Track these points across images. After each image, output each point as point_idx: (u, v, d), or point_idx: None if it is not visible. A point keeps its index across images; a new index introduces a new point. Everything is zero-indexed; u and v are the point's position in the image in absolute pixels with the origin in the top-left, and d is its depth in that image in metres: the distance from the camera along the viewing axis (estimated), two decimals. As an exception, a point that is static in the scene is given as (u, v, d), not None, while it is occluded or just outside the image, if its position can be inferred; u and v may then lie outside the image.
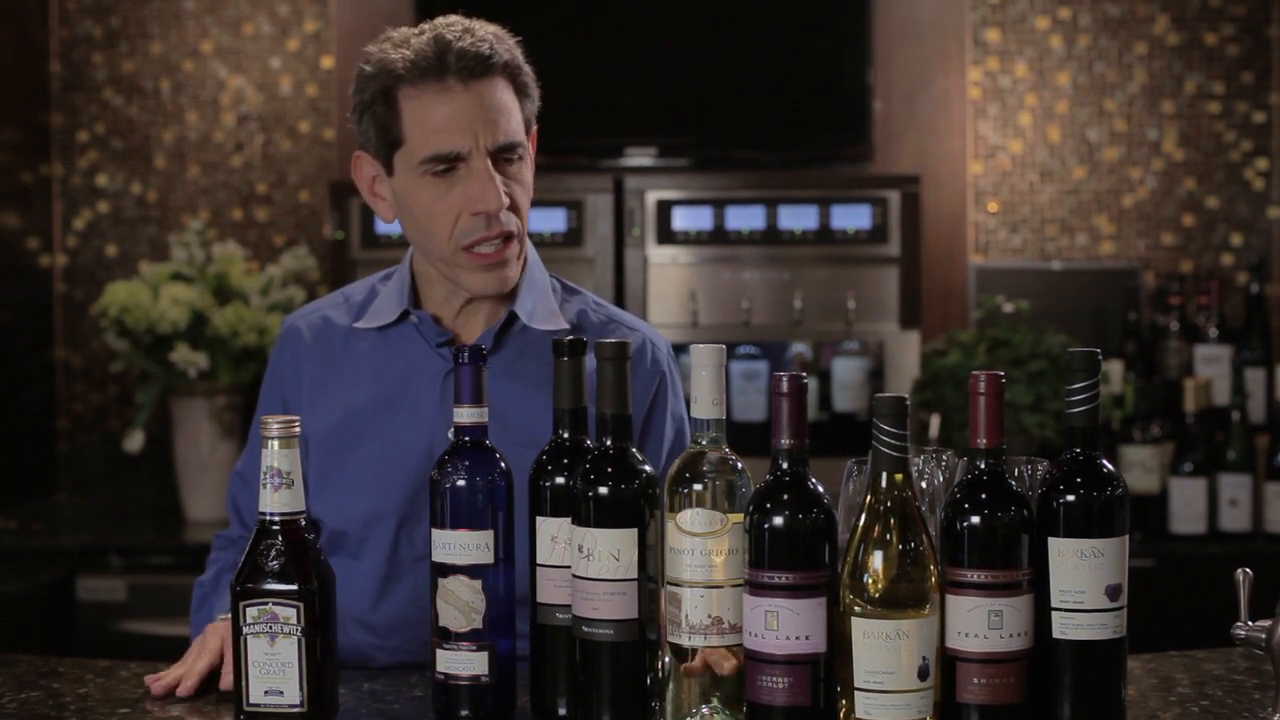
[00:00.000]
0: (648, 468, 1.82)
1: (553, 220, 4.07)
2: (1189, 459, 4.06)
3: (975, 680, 1.71)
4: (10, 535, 4.14)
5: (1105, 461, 1.78)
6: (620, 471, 1.80)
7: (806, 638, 1.70)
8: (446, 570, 1.84)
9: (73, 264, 4.70)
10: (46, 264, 4.68)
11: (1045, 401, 3.95)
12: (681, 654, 1.77)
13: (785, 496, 1.72)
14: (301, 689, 1.79)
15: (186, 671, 2.03)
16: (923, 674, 1.68)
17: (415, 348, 2.26)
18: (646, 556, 1.80)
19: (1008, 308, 4.31)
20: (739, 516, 1.75)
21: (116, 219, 4.69)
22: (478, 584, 1.84)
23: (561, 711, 1.85)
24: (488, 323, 2.27)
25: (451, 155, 2.15)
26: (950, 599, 1.72)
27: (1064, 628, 1.74)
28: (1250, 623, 1.85)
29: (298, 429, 1.81)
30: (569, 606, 1.82)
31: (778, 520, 1.71)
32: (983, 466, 1.75)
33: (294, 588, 1.79)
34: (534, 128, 2.29)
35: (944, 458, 1.87)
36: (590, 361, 1.92)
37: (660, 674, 1.82)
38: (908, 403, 1.71)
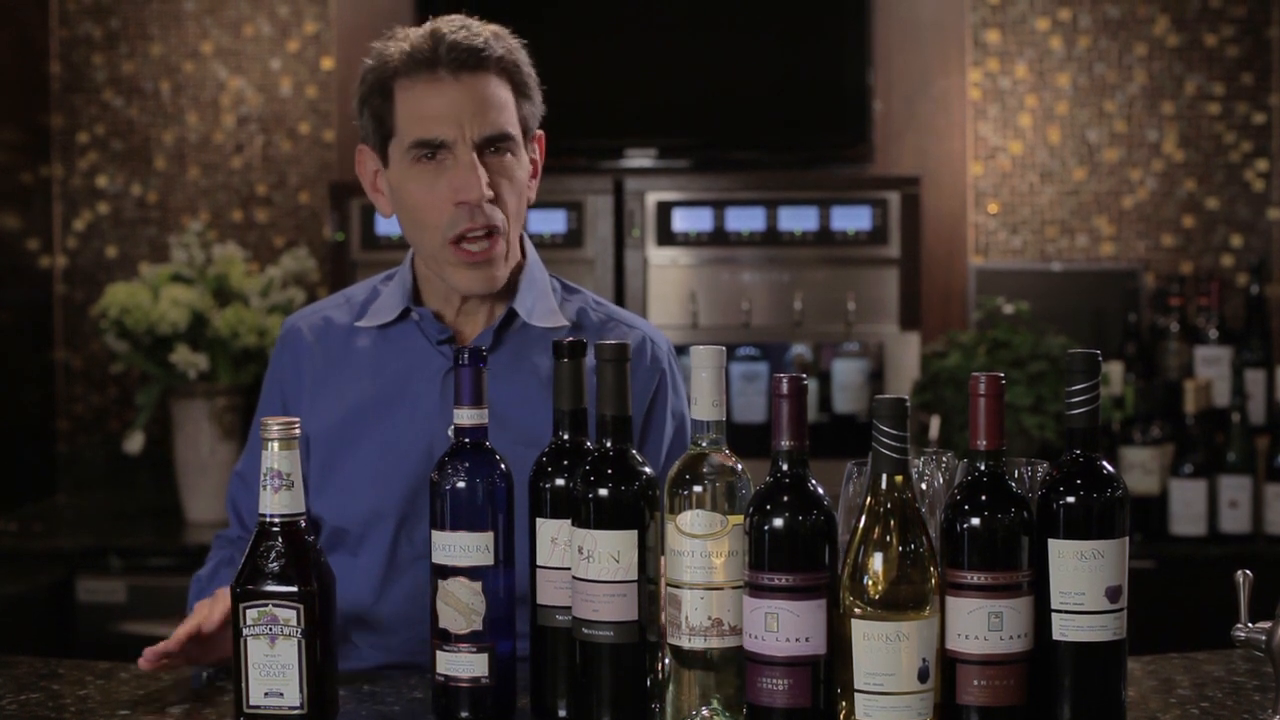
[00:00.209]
0: (648, 469, 1.82)
1: (553, 221, 4.07)
2: (1189, 460, 4.06)
3: (975, 682, 1.71)
4: (10, 537, 4.14)
5: (1105, 463, 1.78)
6: (620, 473, 1.80)
7: (806, 639, 1.70)
8: (446, 572, 1.84)
9: (73, 265, 4.70)
10: (46, 265, 4.68)
11: (1045, 403, 3.95)
12: (681, 656, 1.77)
13: (785, 498, 1.72)
14: (301, 691, 1.79)
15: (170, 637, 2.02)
16: (923, 676, 1.68)
17: (416, 345, 2.27)
18: (646, 558, 1.80)
19: (1008, 309, 4.31)
20: (739, 518, 1.75)
21: (116, 220, 4.69)
22: (478, 586, 1.84)
23: (561, 713, 1.84)
24: (488, 320, 2.28)
25: (436, 142, 2.18)
26: (950, 601, 1.72)
27: (1064, 629, 1.74)
28: (1250, 624, 1.85)
29: (297, 431, 1.81)
30: (569, 608, 1.82)
31: (778, 522, 1.71)
32: (983, 468, 1.74)
33: (294, 590, 1.79)
34: (537, 132, 2.30)
35: (944, 459, 1.87)
36: (590, 361, 1.92)
37: (660, 675, 1.82)
38: (908, 404, 1.71)
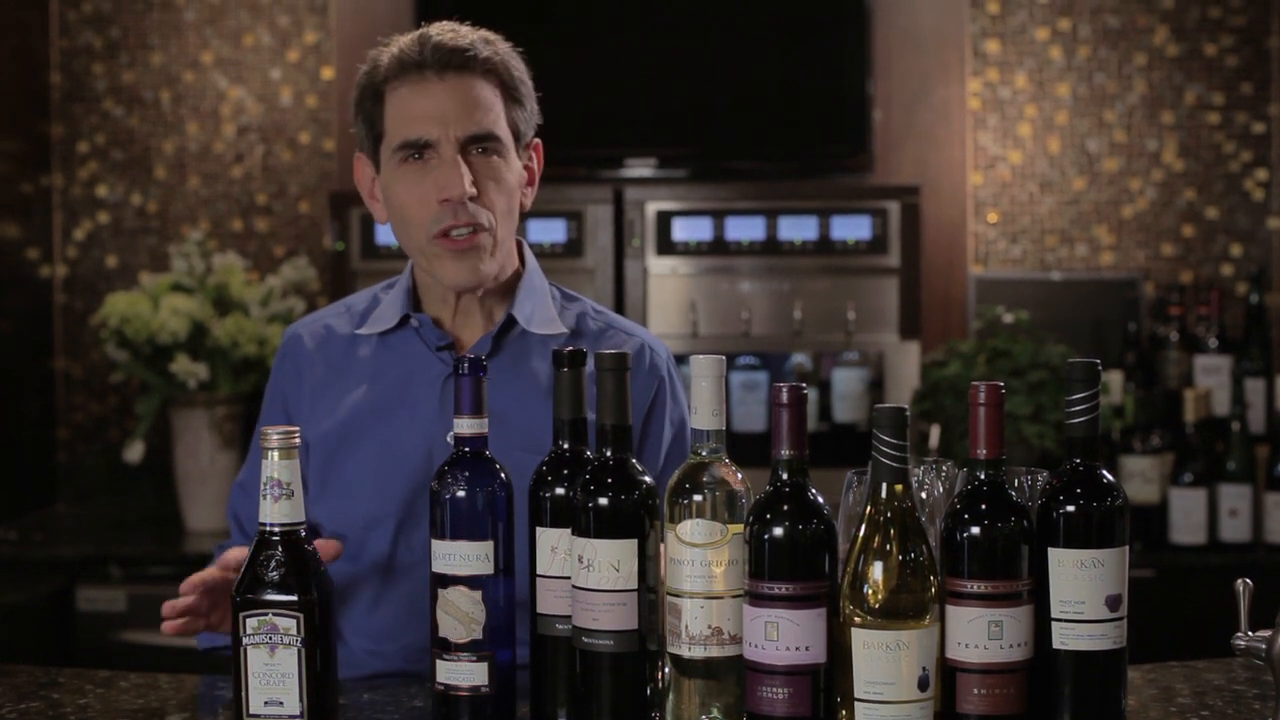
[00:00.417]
0: (648, 478, 1.82)
1: (552, 231, 4.08)
2: (1189, 469, 4.06)
3: (975, 691, 1.71)
4: (10, 545, 4.14)
5: (1105, 472, 1.78)
6: (620, 482, 1.80)
7: (806, 648, 1.70)
8: (446, 581, 1.84)
9: (73, 274, 4.71)
10: (46, 275, 4.68)
11: (1045, 412, 3.95)
12: (681, 665, 1.77)
13: (785, 507, 1.72)
14: (301, 700, 1.79)
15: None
16: (923, 684, 1.68)
17: (416, 351, 2.28)
18: (646, 567, 1.80)
19: (1008, 318, 4.31)
20: (739, 527, 1.75)
21: (116, 230, 4.69)
22: (478, 594, 1.84)
23: (561, 722, 1.85)
24: (486, 326, 2.29)
25: (420, 142, 2.20)
26: (950, 609, 1.72)
27: (1064, 638, 1.74)
28: (1250, 633, 1.85)
29: (298, 440, 1.81)
30: (569, 617, 1.82)
31: (778, 531, 1.71)
32: (983, 477, 1.75)
33: (294, 598, 1.79)
34: (534, 140, 2.30)
35: (944, 468, 1.87)
36: (589, 369, 1.92)
37: (660, 684, 1.82)
38: (907, 413, 1.71)
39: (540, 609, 1.85)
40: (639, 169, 4.34)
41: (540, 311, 2.29)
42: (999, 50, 4.56)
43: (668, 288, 4.11)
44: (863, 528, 1.71)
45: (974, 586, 1.71)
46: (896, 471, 1.71)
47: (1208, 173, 4.55)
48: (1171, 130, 4.55)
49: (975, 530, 1.72)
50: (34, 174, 4.62)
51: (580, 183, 4.22)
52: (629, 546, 1.78)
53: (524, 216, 2.37)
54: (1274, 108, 4.54)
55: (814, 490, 1.74)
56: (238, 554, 2.05)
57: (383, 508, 2.21)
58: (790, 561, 1.70)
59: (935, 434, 3.92)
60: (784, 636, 1.70)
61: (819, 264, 4.09)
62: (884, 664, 1.67)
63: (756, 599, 1.71)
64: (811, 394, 4.08)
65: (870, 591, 1.69)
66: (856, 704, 1.68)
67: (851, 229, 4.08)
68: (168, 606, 2.08)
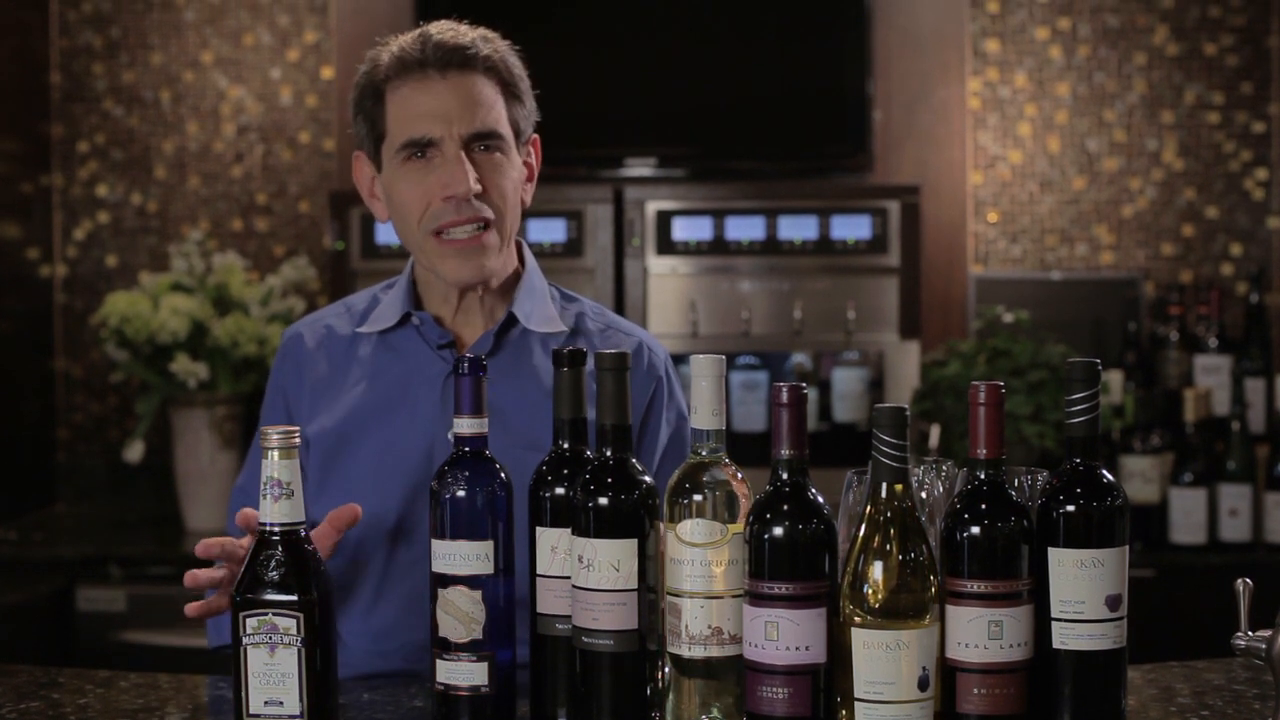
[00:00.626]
0: (647, 478, 1.82)
1: (552, 231, 4.08)
2: (1189, 469, 4.06)
3: (975, 691, 1.71)
4: (10, 545, 4.14)
5: (1105, 472, 1.78)
6: (620, 482, 1.80)
7: (806, 648, 1.70)
8: (446, 580, 1.84)
9: (73, 274, 4.71)
10: (46, 274, 4.68)
11: (1045, 412, 3.95)
12: (681, 664, 1.77)
13: (785, 507, 1.72)
14: (301, 700, 1.79)
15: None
16: (923, 684, 1.68)
17: (416, 350, 2.28)
18: (646, 567, 1.80)
19: (1007, 318, 4.31)
20: (739, 527, 1.75)
21: (116, 229, 4.69)
22: (477, 594, 1.84)
23: (561, 722, 1.85)
24: (486, 324, 2.29)
25: (424, 140, 2.20)
26: (950, 609, 1.72)
27: (1064, 638, 1.74)
28: (1250, 633, 1.85)
29: (298, 440, 1.81)
30: (569, 617, 1.82)
31: (778, 531, 1.71)
32: (983, 477, 1.75)
33: (294, 598, 1.79)
34: (532, 136, 2.31)
35: (944, 468, 1.87)
36: (589, 369, 1.92)
37: (660, 684, 1.82)
38: (907, 413, 1.71)
39: (540, 609, 1.85)
40: (639, 169, 4.34)
41: (540, 310, 2.30)
42: (999, 50, 4.56)
43: (668, 287, 4.11)
44: (863, 527, 1.71)
45: (974, 586, 1.71)
46: (896, 471, 1.71)
47: (1208, 172, 4.55)
48: (1171, 130, 4.55)
49: (975, 530, 1.72)
50: (34, 174, 4.62)
51: (580, 182, 4.22)
52: (629, 546, 1.78)
53: (524, 216, 2.37)
54: (1274, 107, 4.53)
55: (814, 490, 1.74)
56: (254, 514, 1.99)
57: (383, 506, 2.21)
58: (790, 561, 1.70)
59: (935, 434, 3.92)
60: (784, 636, 1.70)
61: (819, 264, 4.09)
62: (884, 664, 1.67)
63: (756, 599, 1.71)
64: (811, 394, 4.08)
65: (870, 591, 1.69)
66: (856, 704, 1.68)
67: (851, 229, 4.08)
68: (189, 577, 2.00)
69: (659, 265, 4.10)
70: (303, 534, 1.82)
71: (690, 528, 1.76)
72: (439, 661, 1.85)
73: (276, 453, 1.80)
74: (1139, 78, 4.56)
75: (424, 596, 1.89)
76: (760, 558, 1.71)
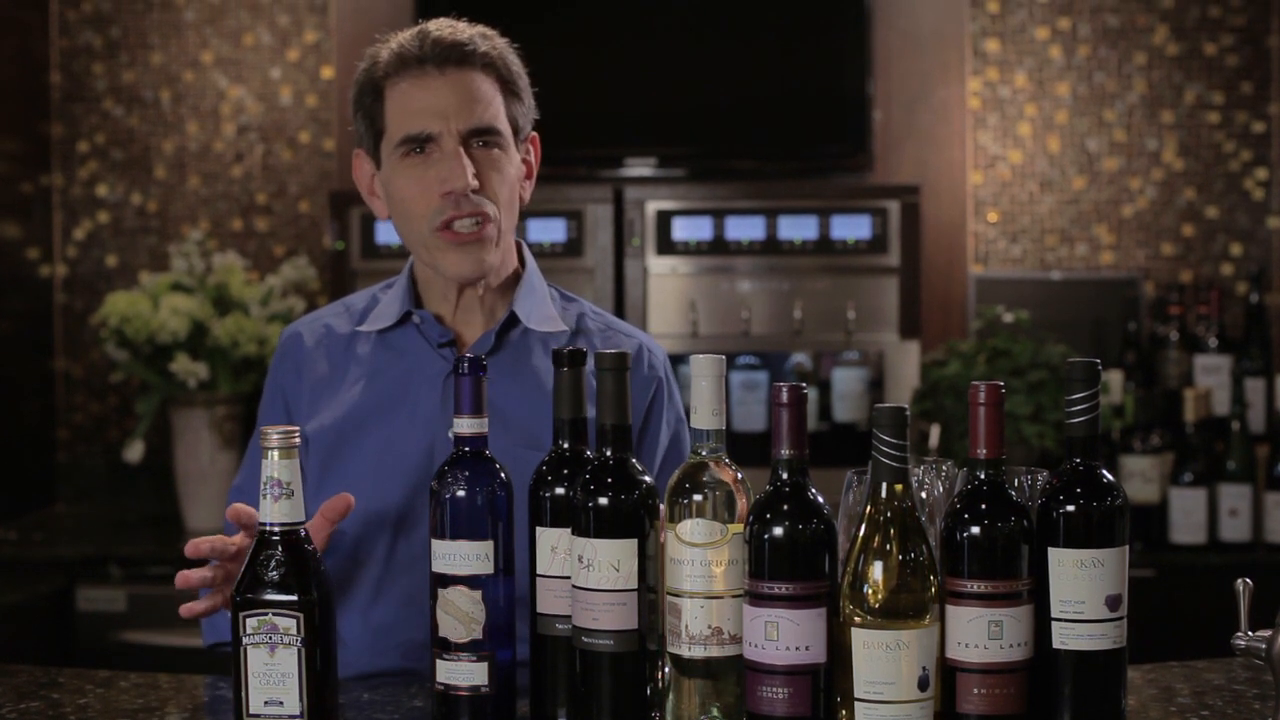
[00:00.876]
0: (647, 478, 1.82)
1: (552, 230, 4.08)
2: (1189, 469, 4.06)
3: (975, 691, 1.71)
4: (10, 545, 4.14)
5: (1105, 471, 1.78)
6: (620, 482, 1.80)
7: (806, 648, 1.70)
8: (446, 580, 1.84)
9: (73, 274, 4.71)
10: (46, 274, 4.68)
11: (1045, 412, 3.95)
12: (681, 664, 1.77)
13: (785, 507, 1.72)
14: (301, 700, 1.79)
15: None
16: (923, 684, 1.68)
17: (417, 348, 2.28)
18: (646, 567, 1.80)
19: (1007, 318, 4.31)
20: (739, 527, 1.75)
21: (116, 229, 4.69)
22: (477, 594, 1.84)
23: (561, 722, 1.85)
24: (487, 323, 2.30)
25: (422, 136, 2.21)
26: (950, 609, 1.72)
27: (1064, 638, 1.74)
28: (1250, 633, 1.85)
29: (297, 439, 1.81)
30: (569, 617, 1.82)
31: (777, 531, 1.71)
32: (983, 477, 1.75)
33: (294, 598, 1.79)
34: (531, 133, 2.31)
35: (944, 468, 1.87)
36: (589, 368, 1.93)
37: (660, 684, 1.82)
38: (907, 413, 1.71)
39: (540, 609, 1.85)
40: (639, 168, 4.34)
41: (540, 310, 2.30)
42: (999, 50, 4.56)
43: (667, 287, 4.11)
44: (863, 527, 1.71)
45: (974, 586, 1.71)
46: (896, 471, 1.71)
47: (1208, 172, 4.55)
48: (1171, 129, 4.55)
49: (975, 530, 1.72)
50: (34, 174, 4.62)
51: (580, 182, 4.22)
52: (629, 546, 1.78)
53: (523, 215, 2.38)
54: (1274, 107, 4.53)
55: (814, 490, 1.74)
56: (248, 510, 2.00)
57: (383, 505, 2.21)
58: (790, 561, 1.70)
59: (935, 434, 3.92)
60: (784, 636, 1.70)
61: (819, 264, 4.09)
62: (884, 664, 1.67)
63: (756, 599, 1.71)
64: (811, 394, 4.08)
65: (870, 591, 1.68)
66: (856, 704, 1.68)
67: (851, 229, 4.08)
68: (180, 578, 2.00)
69: (659, 265, 4.10)
70: (303, 534, 1.82)
71: (690, 528, 1.76)
72: (439, 661, 1.85)
73: (276, 453, 1.80)
74: (1139, 78, 4.56)
75: (424, 595, 1.89)
76: (760, 558, 1.71)
